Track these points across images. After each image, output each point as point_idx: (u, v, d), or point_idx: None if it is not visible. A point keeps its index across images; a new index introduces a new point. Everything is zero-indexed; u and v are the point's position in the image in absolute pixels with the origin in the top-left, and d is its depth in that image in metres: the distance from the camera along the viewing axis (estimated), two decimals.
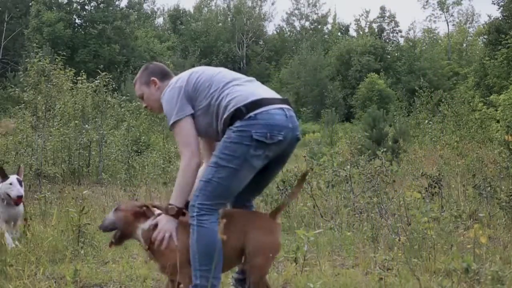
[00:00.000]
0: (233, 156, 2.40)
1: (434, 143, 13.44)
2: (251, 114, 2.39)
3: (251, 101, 2.42)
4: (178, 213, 2.50)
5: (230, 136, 2.41)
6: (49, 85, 8.03)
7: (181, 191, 2.51)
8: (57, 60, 8.87)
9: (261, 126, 2.38)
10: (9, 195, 4.14)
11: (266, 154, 2.44)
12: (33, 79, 7.98)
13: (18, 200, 4.16)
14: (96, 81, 9.80)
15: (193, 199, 2.46)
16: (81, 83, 10.44)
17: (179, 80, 2.58)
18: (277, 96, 2.58)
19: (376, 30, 42.81)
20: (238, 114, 2.40)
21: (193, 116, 2.53)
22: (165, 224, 2.50)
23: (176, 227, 2.52)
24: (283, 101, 2.53)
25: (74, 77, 10.78)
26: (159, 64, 2.89)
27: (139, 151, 11.66)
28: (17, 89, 9.52)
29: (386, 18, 42.96)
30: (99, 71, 9.85)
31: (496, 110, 14.17)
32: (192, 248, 2.44)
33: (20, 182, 4.20)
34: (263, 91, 2.55)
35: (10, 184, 4.13)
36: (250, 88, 2.52)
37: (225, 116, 2.44)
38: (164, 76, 2.74)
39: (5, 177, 4.17)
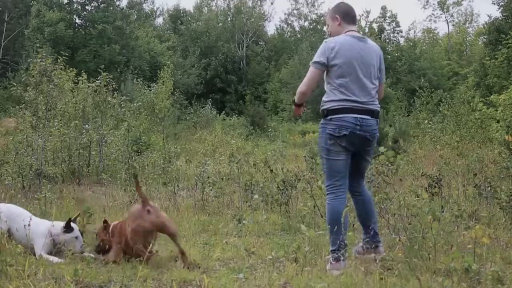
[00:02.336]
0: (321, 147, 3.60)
1: (434, 143, 13.43)
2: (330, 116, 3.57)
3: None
4: (293, 102, 3.86)
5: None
6: (50, 85, 8.03)
7: (297, 94, 3.74)
8: (59, 60, 8.86)
9: (333, 125, 3.53)
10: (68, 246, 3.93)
11: (339, 143, 3.50)
12: (35, 79, 7.97)
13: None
14: (97, 81, 9.80)
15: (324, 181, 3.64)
16: (82, 83, 10.44)
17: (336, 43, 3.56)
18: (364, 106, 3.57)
19: (376, 30, 42.81)
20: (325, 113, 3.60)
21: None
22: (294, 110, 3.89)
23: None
24: (364, 111, 3.54)
25: (75, 77, 10.79)
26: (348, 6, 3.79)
27: (139, 151, 11.66)
28: (19, 88, 9.51)
29: (387, 18, 42.98)
30: (100, 71, 9.85)
31: (496, 110, 14.15)
32: (327, 215, 3.59)
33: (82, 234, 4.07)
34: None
35: (76, 238, 3.95)
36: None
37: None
38: (346, 18, 3.69)
39: (70, 228, 3.96)
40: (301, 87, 3.67)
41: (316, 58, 3.55)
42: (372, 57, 3.62)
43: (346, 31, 3.63)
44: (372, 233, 3.67)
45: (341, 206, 3.51)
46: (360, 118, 3.49)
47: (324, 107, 3.59)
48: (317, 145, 3.86)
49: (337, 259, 3.48)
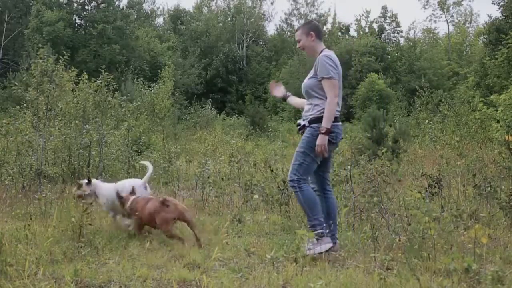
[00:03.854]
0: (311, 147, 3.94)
1: (434, 143, 13.43)
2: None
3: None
4: (328, 131, 3.87)
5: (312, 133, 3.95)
6: (51, 85, 8.01)
7: (330, 118, 3.88)
8: (60, 60, 8.85)
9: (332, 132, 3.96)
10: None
11: (329, 149, 3.96)
12: (36, 79, 7.96)
13: None
14: (98, 81, 9.80)
15: (290, 175, 4.00)
16: (83, 83, 10.43)
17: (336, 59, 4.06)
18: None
19: (376, 30, 42.79)
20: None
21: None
22: (322, 140, 3.86)
23: None
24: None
25: (76, 77, 10.77)
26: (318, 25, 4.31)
27: (139, 151, 11.66)
28: (20, 88, 9.49)
29: (387, 18, 42.95)
30: (101, 71, 9.84)
31: (496, 110, 14.15)
32: (303, 206, 3.99)
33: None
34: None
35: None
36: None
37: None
38: (319, 34, 4.16)
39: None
40: (334, 102, 3.93)
41: (332, 73, 3.96)
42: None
43: (323, 48, 4.14)
44: (332, 228, 4.07)
45: (312, 192, 4.05)
46: (340, 125, 4.08)
47: (321, 114, 3.95)
48: (303, 143, 4.01)
49: (321, 235, 3.89)
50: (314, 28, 4.19)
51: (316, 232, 3.87)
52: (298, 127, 4.19)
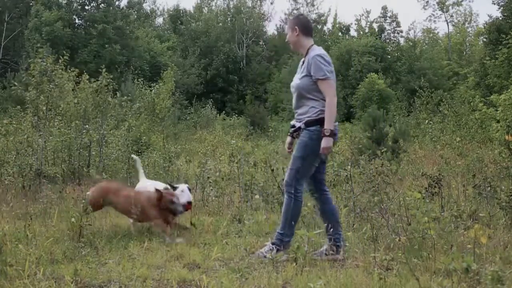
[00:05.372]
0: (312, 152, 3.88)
1: (434, 143, 13.44)
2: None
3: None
4: (332, 133, 3.79)
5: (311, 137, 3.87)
6: (51, 85, 8.01)
7: (332, 119, 3.80)
8: (60, 60, 8.85)
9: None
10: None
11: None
12: (35, 79, 7.96)
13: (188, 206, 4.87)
14: (98, 81, 9.80)
15: (288, 180, 3.92)
16: (84, 83, 10.43)
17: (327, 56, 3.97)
18: None
19: (376, 30, 42.76)
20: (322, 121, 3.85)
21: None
22: (328, 142, 3.78)
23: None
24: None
25: (77, 77, 10.77)
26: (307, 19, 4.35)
27: (140, 151, 11.65)
28: (19, 88, 9.49)
29: (387, 18, 42.92)
30: (101, 72, 9.84)
31: (496, 110, 14.14)
32: (287, 214, 3.90)
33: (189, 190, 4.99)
34: None
35: (182, 191, 4.86)
36: None
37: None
38: (304, 30, 4.06)
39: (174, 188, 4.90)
40: (334, 102, 3.85)
41: (328, 72, 3.88)
42: None
43: (311, 44, 4.05)
44: (338, 228, 4.05)
45: (301, 206, 4.03)
46: (337, 124, 3.98)
47: (322, 115, 3.86)
48: (301, 147, 3.93)
49: (281, 246, 3.89)
50: (299, 23, 4.08)
51: (283, 242, 3.88)
52: (293, 129, 4.09)
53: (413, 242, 3.76)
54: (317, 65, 3.86)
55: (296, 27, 4.05)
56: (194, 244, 4.32)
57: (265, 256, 3.81)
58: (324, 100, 3.86)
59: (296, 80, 4.05)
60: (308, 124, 3.90)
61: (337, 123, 3.96)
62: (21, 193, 6.59)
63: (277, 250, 3.82)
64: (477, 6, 64.67)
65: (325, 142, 3.80)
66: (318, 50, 3.98)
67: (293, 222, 3.89)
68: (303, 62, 4.03)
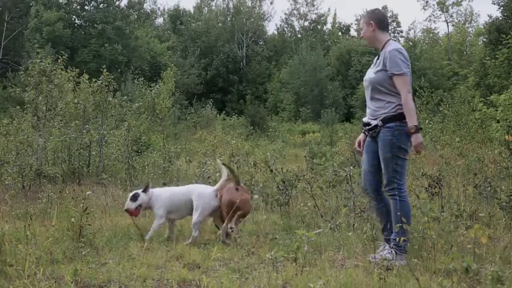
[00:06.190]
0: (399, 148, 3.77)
1: (435, 143, 13.44)
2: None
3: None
4: (417, 128, 3.72)
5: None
6: (50, 86, 8.02)
7: (413, 114, 3.74)
8: (59, 60, 8.85)
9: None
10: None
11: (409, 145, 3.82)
12: (34, 79, 7.96)
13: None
14: (98, 81, 9.81)
15: (389, 183, 3.76)
16: (84, 83, 10.44)
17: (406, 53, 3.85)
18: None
19: None
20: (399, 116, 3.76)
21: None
22: (417, 138, 3.74)
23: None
24: None
25: (77, 77, 10.78)
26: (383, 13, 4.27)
27: (140, 151, 11.66)
28: (17, 89, 9.51)
29: (388, 18, 42.94)
30: (101, 72, 9.85)
31: (496, 110, 14.16)
32: (397, 214, 3.65)
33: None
34: None
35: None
36: None
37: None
38: (380, 24, 3.96)
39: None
40: (410, 98, 3.74)
41: (404, 69, 3.76)
42: None
43: (388, 39, 3.94)
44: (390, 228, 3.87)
45: (409, 203, 3.86)
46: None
47: (400, 110, 3.75)
48: (387, 147, 3.77)
49: (402, 249, 3.68)
50: (374, 17, 3.97)
51: (402, 243, 3.59)
52: (368, 127, 3.89)
53: (413, 242, 3.76)
54: (394, 60, 3.75)
55: (372, 21, 3.93)
56: (194, 244, 4.32)
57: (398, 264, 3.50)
58: (400, 95, 3.74)
59: (370, 74, 3.93)
60: (386, 120, 3.77)
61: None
62: (21, 193, 6.60)
63: (396, 254, 3.66)
64: (477, 6, 64.73)
65: (414, 139, 3.71)
66: (395, 44, 3.89)
67: (402, 222, 3.58)
68: (378, 57, 3.92)
